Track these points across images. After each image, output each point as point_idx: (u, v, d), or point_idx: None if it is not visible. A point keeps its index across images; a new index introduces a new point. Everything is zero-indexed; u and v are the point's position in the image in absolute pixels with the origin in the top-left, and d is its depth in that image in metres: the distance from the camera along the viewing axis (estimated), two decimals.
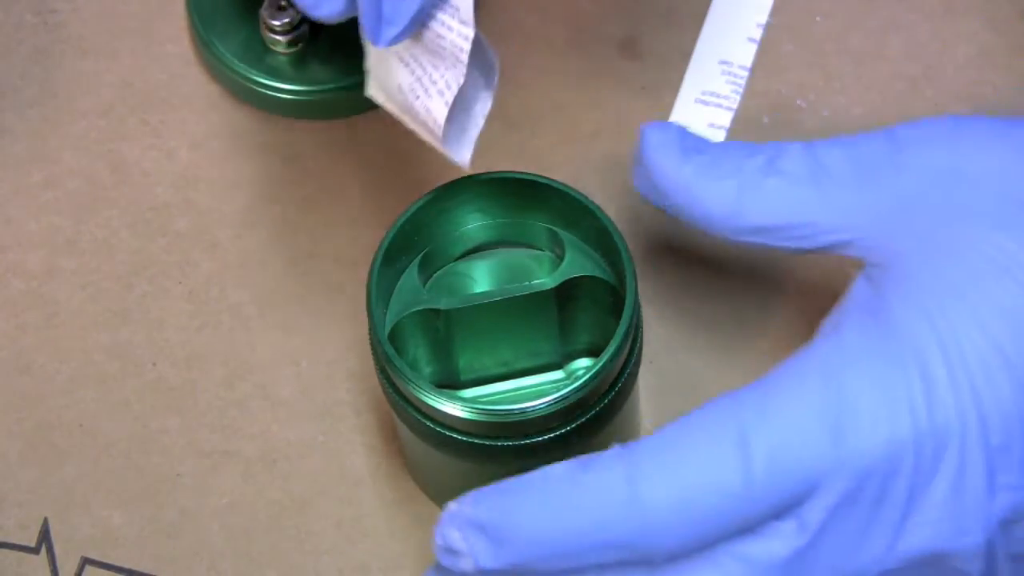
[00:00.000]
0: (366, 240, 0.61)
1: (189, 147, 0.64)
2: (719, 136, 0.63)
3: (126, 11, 0.66)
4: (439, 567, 0.50)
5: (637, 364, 0.52)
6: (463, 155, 0.51)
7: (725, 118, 0.63)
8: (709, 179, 0.53)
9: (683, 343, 0.60)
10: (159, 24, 0.66)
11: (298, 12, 0.62)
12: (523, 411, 0.50)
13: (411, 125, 0.52)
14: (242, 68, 0.63)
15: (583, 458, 0.48)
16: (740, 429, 0.47)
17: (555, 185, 0.53)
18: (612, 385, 0.51)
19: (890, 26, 0.65)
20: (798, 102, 0.64)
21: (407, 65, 0.51)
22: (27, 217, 0.62)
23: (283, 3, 0.63)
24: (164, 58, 0.65)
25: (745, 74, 0.64)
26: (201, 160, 0.63)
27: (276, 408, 0.59)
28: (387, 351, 0.51)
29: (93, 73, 0.65)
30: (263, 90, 0.63)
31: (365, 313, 0.52)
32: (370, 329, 0.52)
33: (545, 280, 0.53)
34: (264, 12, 0.63)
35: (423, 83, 0.50)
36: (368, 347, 0.53)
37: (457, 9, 0.50)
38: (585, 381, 0.50)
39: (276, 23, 0.63)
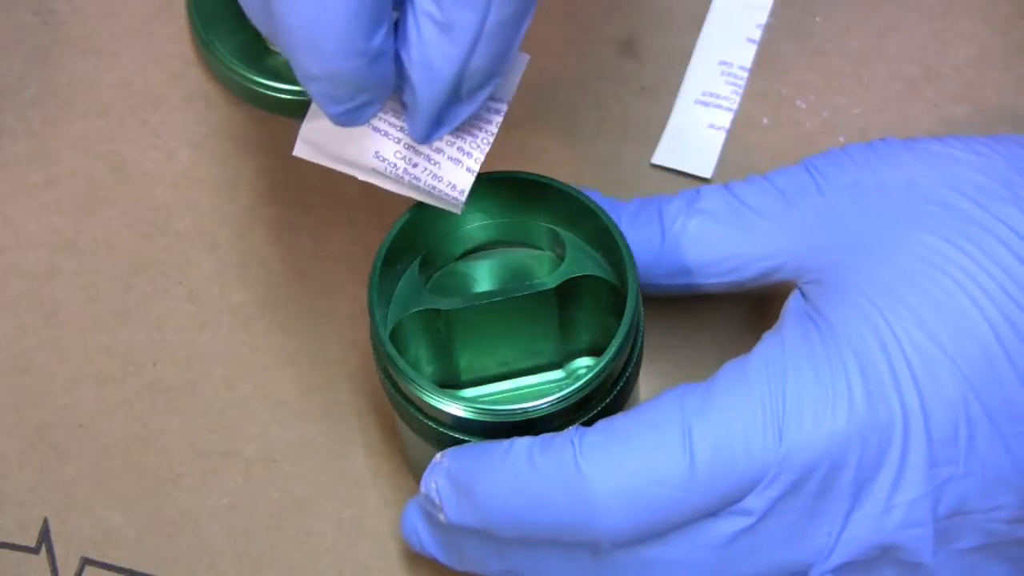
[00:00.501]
0: (366, 240, 0.61)
1: (189, 147, 0.64)
2: (719, 137, 0.63)
3: (126, 11, 0.66)
4: (419, 502, 0.53)
5: (638, 364, 0.52)
6: (461, 206, 0.51)
7: (725, 119, 0.63)
8: (631, 229, 0.55)
9: (683, 343, 0.60)
10: (159, 24, 0.66)
11: None
12: (524, 411, 0.50)
13: (379, 183, 0.52)
14: (242, 68, 0.63)
15: (546, 437, 0.50)
16: (685, 423, 0.48)
17: (556, 184, 0.53)
18: (613, 384, 0.51)
19: (890, 26, 0.65)
20: (798, 103, 0.64)
21: (386, 135, 0.50)
22: (27, 217, 0.62)
23: None
24: (164, 58, 0.65)
25: (745, 75, 0.64)
26: (201, 160, 0.63)
27: (276, 409, 0.59)
28: (389, 351, 0.51)
29: (93, 73, 0.65)
30: (263, 90, 0.63)
31: (366, 313, 0.52)
32: (371, 329, 0.52)
33: (546, 280, 0.53)
34: None
35: (420, 151, 0.51)
36: (369, 348, 0.53)
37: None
38: (587, 380, 0.50)
39: None
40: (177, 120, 0.64)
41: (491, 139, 0.51)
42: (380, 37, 0.46)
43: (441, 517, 0.51)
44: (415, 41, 0.47)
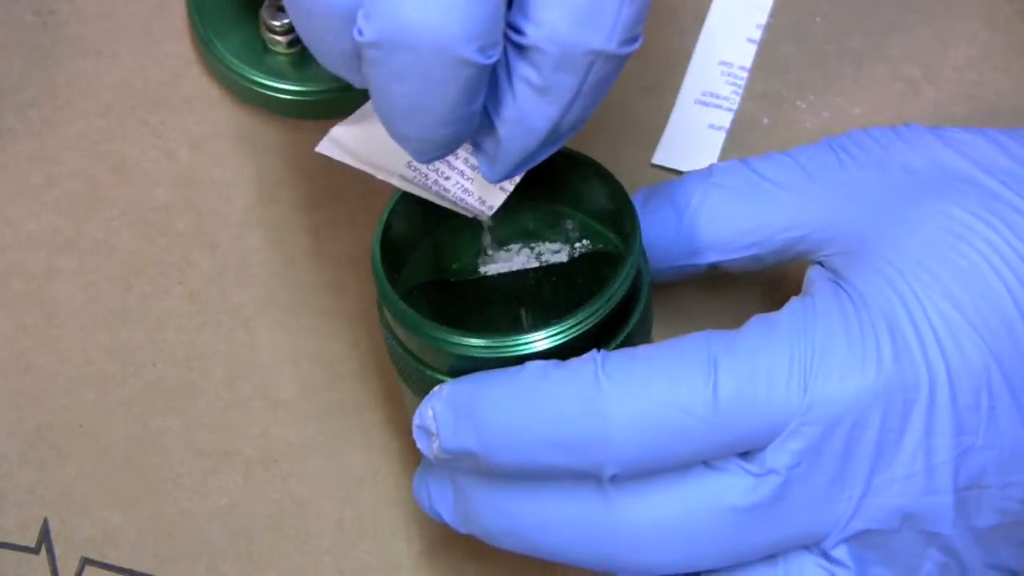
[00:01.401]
0: (367, 240, 0.61)
1: (189, 147, 0.64)
2: (719, 137, 0.63)
3: (126, 11, 0.66)
4: (424, 468, 0.52)
5: (648, 314, 0.52)
6: (487, 216, 0.51)
7: (725, 119, 0.63)
8: (643, 216, 0.54)
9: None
10: (159, 24, 0.66)
11: None
12: (530, 341, 0.49)
13: (402, 186, 0.52)
14: (242, 68, 0.63)
15: (564, 361, 0.49)
16: (711, 356, 0.48)
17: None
18: (621, 324, 0.51)
19: (890, 27, 0.65)
20: (798, 103, 0.64)
21: None
22: (27, 217, 0.62)
23: (282, 4, 0.63)
24: (164, 58, 0.65)
25: (745, 75, 0.64)
26: (201, 160, 0.63)
27: (276, 408, 0.59)
28: (385, 289, 0.50)
29: (93, 73, 0.65)
30: (263, 90, 0.63)
31: (366, 313, 0.52)
32: (374, 275, 0.51)
33: (559, 255, 0.53)
34: (264, 12, 0.63)
35: (455, 165, 0.51)
36: (369, 347, 0.53)
37: None
38: (607, 297, 0.49)
39: (276, 23, 0.63)
40: (177, 120, 0.64)
41: (529, 167, 0.51)
42: (477, 104, 0.46)
43: (434, 446, 0.50)
44: (508, 101, 0.47)
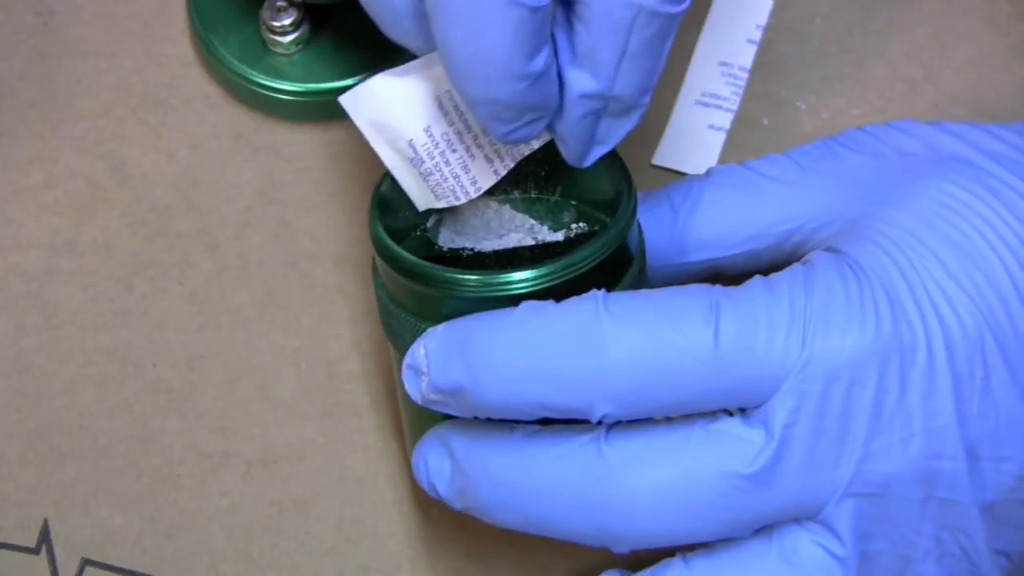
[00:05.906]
0: (366, 242, 0.61)
1: (189, 147, 0.64)
2: (719, 138, 0.63)
3: (126, 12, 0.66)
4: (423, 442, 0.51)
5: (644, 274, 0.52)
6: (476, 194, 0.52)
7: (725, 119, 0.63)
8: (643, 211, 0.55)
9: None
10: (159, 25, 0.66)
11: (299, 13, 0.63)
12: (523, 279, 0.49)
13: (394, 166, 0.52)
14: (242, 68, 0.63)
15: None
16: (713, 302, 0.48)
17: None
18: (616, 278, 0.51)
19: (890, 27, 0.65)
20: (798, 104, 0.64)
21: (447, 114, 0.51)
22: (27, 218, 0.62)
23: (282, 4, 0.63)
24: (164, 59, 0.65)
25: (745, 75, 0.64)
26: (201, 160, 0.63)
27: (276, 409, 0.59)
28: (379, 234, 0.50)
29: (93, 74, 0.65)
30: (263, 90, 0.63)
31: (366, 314, 0.52)
32: (370, 229, 0.51)
33: (555, 234, 0.53)
34: (264, 13, 0.63)
35: (464, 140, 0.51)
36: (368, 348, 0.53)
37: None
38: (608, 239, 0.50)
39: (276, 24, 0.63)
40: (177, 121, 0.64)
41: (525, 154, 0.51)
42: (541, 61, 0.47)
43: (423, 385, 0.49)
44: (561, 67, 0.48)
